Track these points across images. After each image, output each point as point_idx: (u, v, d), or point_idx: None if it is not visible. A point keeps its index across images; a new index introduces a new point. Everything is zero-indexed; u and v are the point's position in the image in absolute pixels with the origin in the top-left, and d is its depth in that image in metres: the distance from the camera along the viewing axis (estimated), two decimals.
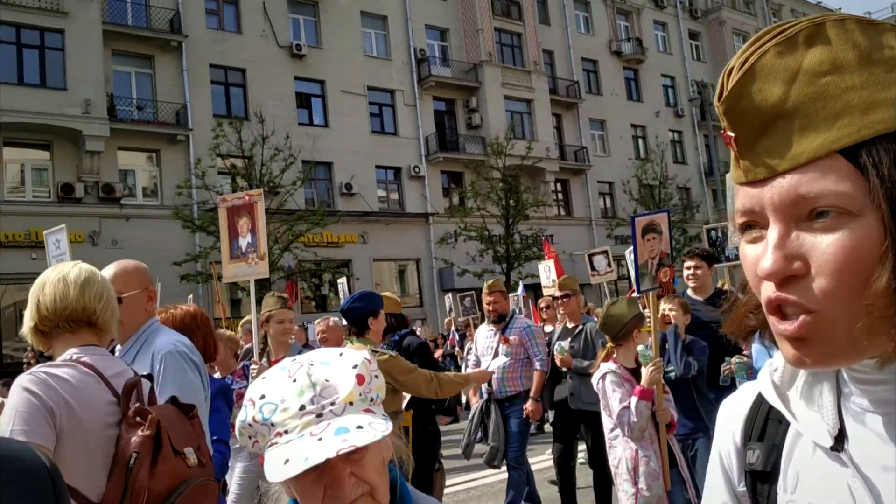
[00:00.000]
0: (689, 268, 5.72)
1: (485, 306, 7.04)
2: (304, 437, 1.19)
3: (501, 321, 6.79)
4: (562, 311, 7.03)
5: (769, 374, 0.89)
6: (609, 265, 10.90)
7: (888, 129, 0.68)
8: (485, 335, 7.00)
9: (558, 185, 33.11)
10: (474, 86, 30.37)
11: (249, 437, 1.28)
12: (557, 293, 7.04)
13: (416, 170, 28.45)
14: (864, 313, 0.68)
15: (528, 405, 6.48)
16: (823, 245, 0.69)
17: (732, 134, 0.75)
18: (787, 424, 0.87)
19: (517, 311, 9.35)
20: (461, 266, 26.16)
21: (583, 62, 35.53)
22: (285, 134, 22.50)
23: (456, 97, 30.67)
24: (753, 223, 0.76)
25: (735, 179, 0.77)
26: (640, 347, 4.37)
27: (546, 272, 10.11)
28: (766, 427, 0.90)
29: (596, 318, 7.04)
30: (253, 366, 5.23)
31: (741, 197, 0.76)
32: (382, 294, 5.51)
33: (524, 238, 26.55)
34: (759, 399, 0.92)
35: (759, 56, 0.72)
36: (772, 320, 0.75)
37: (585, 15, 36.45)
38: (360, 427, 1.19)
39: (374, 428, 1.20)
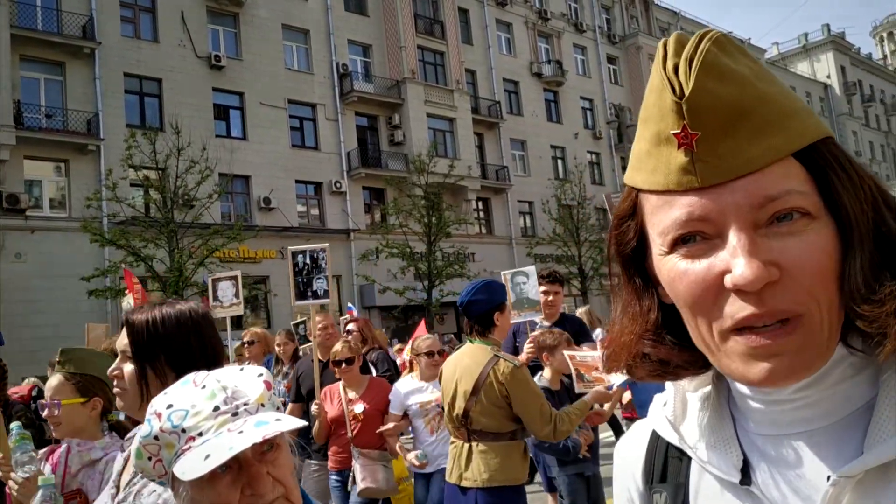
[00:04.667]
0: (545, 293, 5.48)
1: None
2: (221, 433, 1.16)
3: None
4: None
5: (661, 409, 0.85)
6: (238, 296, 7.74)
7: (823, 133, 0.69)
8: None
9: (480, 204, 33.36)
10: (397, 102, 30.35)
11: (150, 458, 1.20)
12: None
13: (338, 185, 28.20)
14: (837, 312, 0.67)
15: None
16: (796, 247, 0.66)
17: (696, 132, 0.67)
18: (689, 460, 0.81)
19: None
20: (383, 283, 26.02)
21: (504, 83, 36.04)
22: (202, 146, 21.92)
23: (378, 113, 30.59)
24: (694, 234, 0.69)
25: (681, 186, 0.69)
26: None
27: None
28: (667, 466, 0.84)
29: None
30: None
31: (684, 206, 0.69)
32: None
33: (446, 256, 26.58)
34: (655, 437, 0.87)
35: (703, 54, 0.68)
36: (737, 341, 0.68)
37: (507, 36, 37.02)
38: (278, 420, 1.19)
39: (291, 422, 1.20)
